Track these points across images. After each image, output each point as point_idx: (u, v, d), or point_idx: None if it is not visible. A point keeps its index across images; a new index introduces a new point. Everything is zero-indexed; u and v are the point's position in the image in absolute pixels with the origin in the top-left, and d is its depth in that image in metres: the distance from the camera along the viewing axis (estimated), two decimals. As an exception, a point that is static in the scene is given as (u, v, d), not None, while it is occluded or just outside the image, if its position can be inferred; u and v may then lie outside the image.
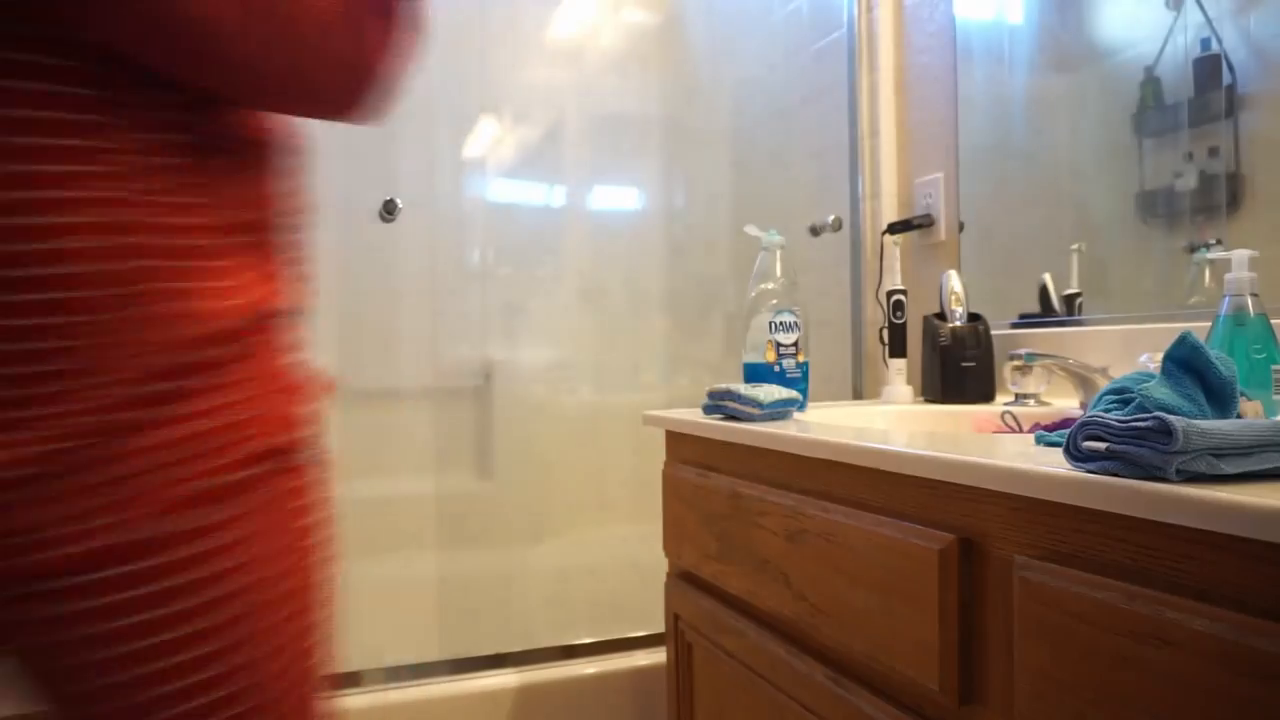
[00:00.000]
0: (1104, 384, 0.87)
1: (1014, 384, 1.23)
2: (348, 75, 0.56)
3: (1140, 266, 1.23)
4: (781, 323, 1.24)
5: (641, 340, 2.59)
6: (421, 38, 0.62)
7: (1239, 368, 0.77)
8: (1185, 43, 1.14)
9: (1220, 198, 1.12)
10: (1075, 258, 1.34)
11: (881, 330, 1.53)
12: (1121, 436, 0.56)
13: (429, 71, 2.21)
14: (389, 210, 1.54)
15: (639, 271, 2.60)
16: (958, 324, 1.36)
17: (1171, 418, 0.53)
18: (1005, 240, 1.48)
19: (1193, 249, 1.15)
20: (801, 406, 1.20)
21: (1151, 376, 0.64)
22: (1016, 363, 1.16)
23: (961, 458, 0.70)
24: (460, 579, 2.03)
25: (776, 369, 1.23)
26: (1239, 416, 0.60)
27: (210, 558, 0.52)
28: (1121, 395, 0.65)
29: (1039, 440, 0.75)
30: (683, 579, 1.24)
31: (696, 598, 1.18)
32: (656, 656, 1.57)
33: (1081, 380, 1.16)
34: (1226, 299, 0.91)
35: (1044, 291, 1.39)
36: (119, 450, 0.49)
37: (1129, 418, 0.56)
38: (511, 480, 1.98)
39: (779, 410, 1.09)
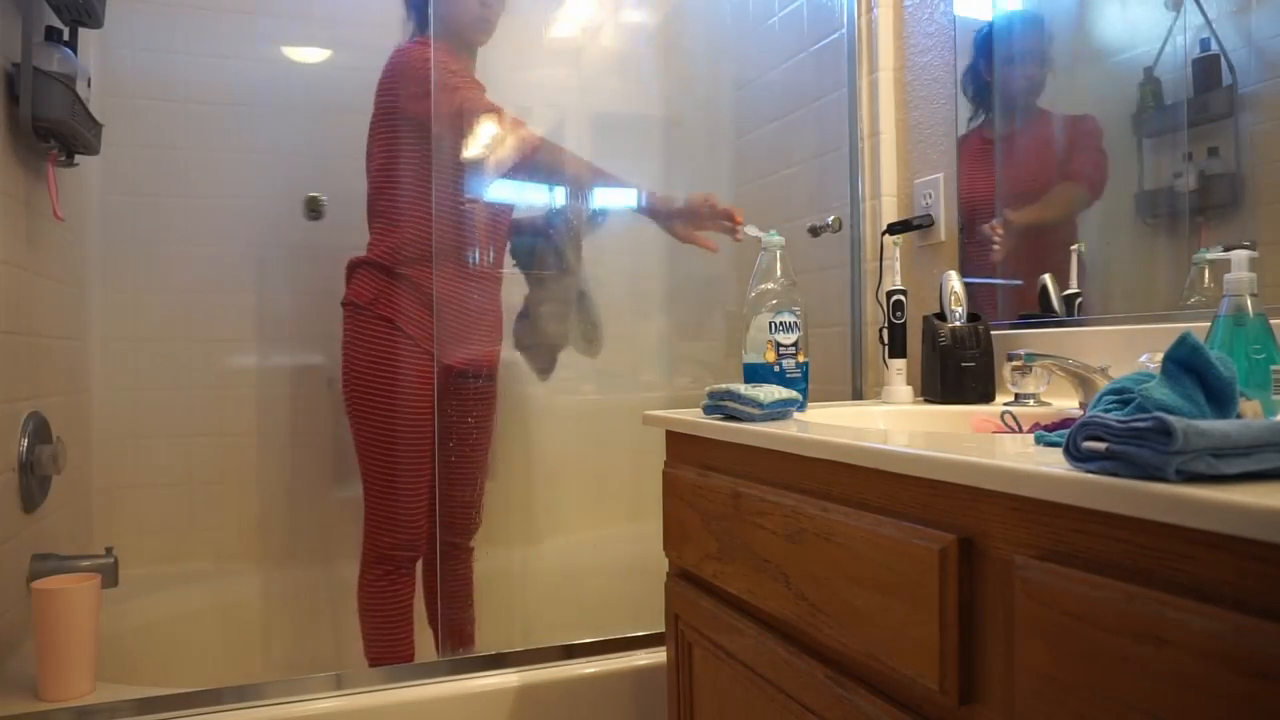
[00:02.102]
0: (1104, 384, 0.87)
1: (1014, 384, 1.23)
2: None
3: (1140, 267, 1.23)
4: (781, 323, 1.24)
5: (641, 340, 2.59)
6: None
7: (1238, 368, 0.78)
8: (1185, 43, 1.15)
9: (1220, 198, 1.12)
10: (1075, 258, 1.34)
11: (881, 330, 1.53)
12: (1121, 437, 0.56)
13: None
14: (314, 208, 1.42)
15: (639, 271, 2.59)
16: (957, 324, 1.36)
17: (1171, 418, 0.53)
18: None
19: (1192, 249, 1.15)
20: (801, 406, 1.20)
21: (1151, 377, 0.64)
22: (1016, 363, 1.16)
23: (961, 458, 0.70)
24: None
25: (776, 369, 1.23)
26: (1238, 417, 0.60)
27: None
28: (1121, 395, 0.65)
29: (1039, 440, 0.75)
30: (683, 579, 1.24)
31: (696, 598, 1.18)
32: (656, 656, 1.57)
33: (1081, 380, 1.16)
34: (1226, 299, 0.91)
35: (1044, 291, 1.39)
36: None
37: (1129, 418, 0.56)
38: (511, 480, 1.98)
39: (779, 410, 1.09)
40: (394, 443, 1.70)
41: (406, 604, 1.74)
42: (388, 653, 1.70)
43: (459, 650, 1.77)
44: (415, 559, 1.75)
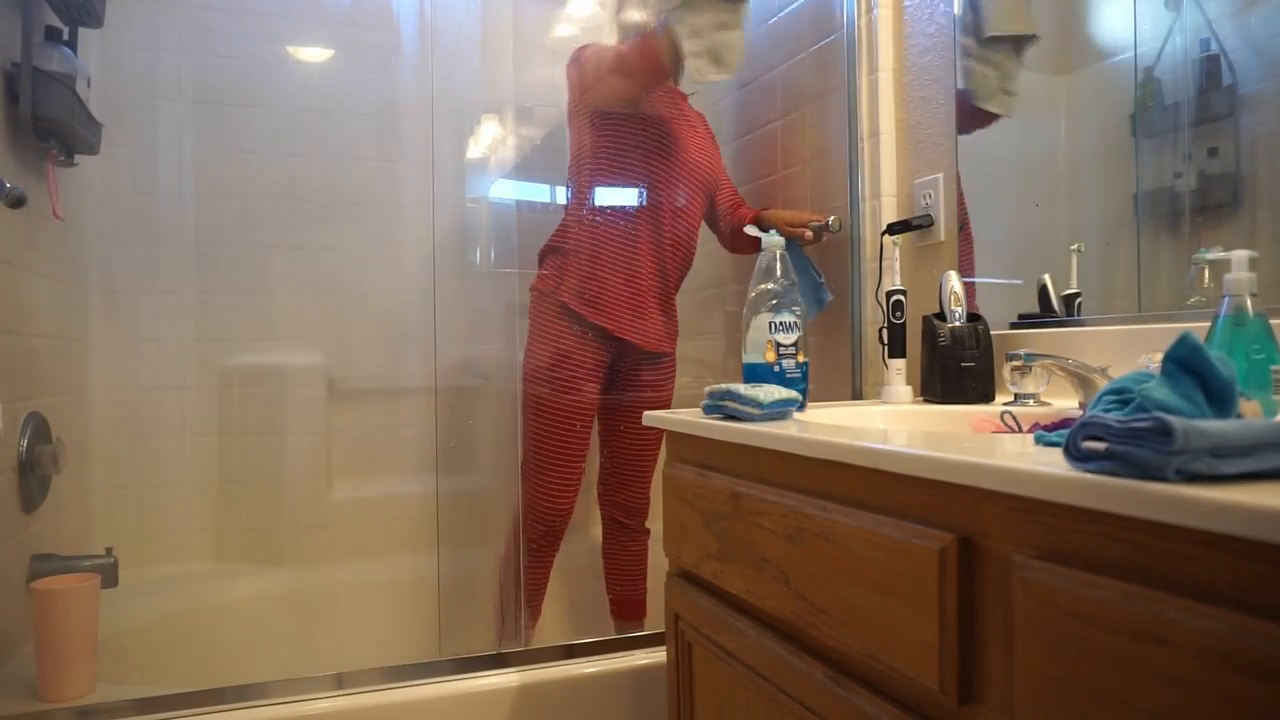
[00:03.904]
0: (1104, 384, 0.87)
1: (1013, 384, 1.23)
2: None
3: (1140, 267, 1.23)
4: (781, 323, 1.24)
5: (641, 340, 2.57)
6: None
7: (1238, 368, 0.77)
8: (1185, 43, 1.15)
9: (1220, 198, 1.12)
10: (1075, 258, 1.34)
11: (881, 330, 1.53)
12: (1121, 437, 0.56)
13: (430, 71, 2.21)
14: (16, 203, 1.34)
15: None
16: (957, 324, 1.36)
17: (1171, 418, 0.53)
18: (1005, 240, 1.48)
19: (1192, 249, 1.15)
20: (801, 406, 1.20)
21: (1151, 377, 0.64)
22: (1016, 363, 1.16)
23: (961, 458, 0.70)
24: (460, 579, 2.03)
25: (776, 369, 1.23)
26: (1238, 417, 0.60)
27: None
28: (1121, 395, 0.65)
29: (1039, 440, 0.75)
30: (683, 579, 1.24)
31: (696, 597, 1.18)
32: (656, 656, 1.57)
33: (1081, 380, 1.16)
34: (1226, 299, 0.91)
35: (1044, 291, 1.39)
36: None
37: (1128, 418, 0.56)
38: (512, 480, 1.98)
39: (779, 410, 1.09)
40: (558, 420, 1.81)
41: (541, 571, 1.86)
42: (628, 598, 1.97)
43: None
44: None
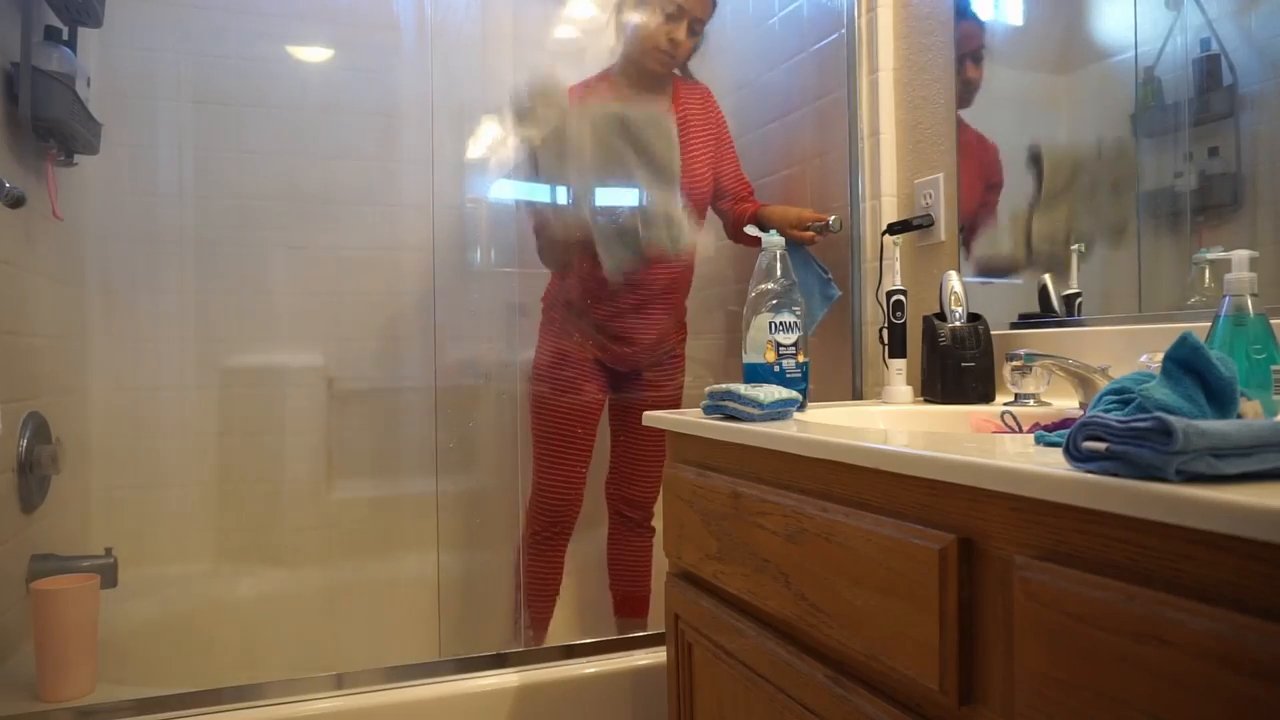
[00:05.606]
0: (1104, 384, 0.87)
1: (1014, 384, 1.23)
2: None
3: (1140, 266, 1.23)
4: (781, 323, 1.24)
5: (641, 340, 2.56)
6: None
7: (1239, 368, 0.77)
8: (1185, 43, 1.15)
9: (1220, 198, 1.12)
10: (1075, 258, 1.34)
11: (881, 330, 1.53)
12: (1121, 437, 0.56)
13: (430, 71, 2.21)
14: (15, 203, 1.34)
15: (639, 271, 2.57)
16: (957, 324, 1.36)
17: (1171, 418, 0.53)
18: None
19: (1193, 249, 1.15)
20: (801, 406, 1.20)
21: (1151, 377, 0.64)
22: (1016, 363, 1.16)
23: (961, 458, 0.70)
24: (460, 579, 2.03)
25: (776, 369, 1.23)
26: (1239, 417, 0.60)
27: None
28: (1121, 395, 0.65)
29: (1039, 440, 0.75)
30: (683, 579, 1.24)
31: (696, 598, 1.18)
32: (656, 656, 1.57)
33: (1081, 380, 1.16)
34: (1226, 299, 0.91)
35: (1044, 291, 1.39)
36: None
37: (1129, 418, 0.56)
38: (512, 480, 1.98)
39: (779, 410, 1.09)
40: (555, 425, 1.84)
41: (550, 570, 1.87)
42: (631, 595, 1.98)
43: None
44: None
